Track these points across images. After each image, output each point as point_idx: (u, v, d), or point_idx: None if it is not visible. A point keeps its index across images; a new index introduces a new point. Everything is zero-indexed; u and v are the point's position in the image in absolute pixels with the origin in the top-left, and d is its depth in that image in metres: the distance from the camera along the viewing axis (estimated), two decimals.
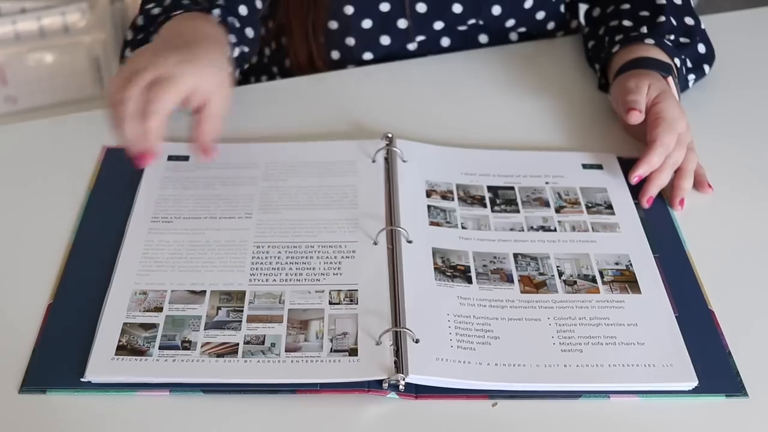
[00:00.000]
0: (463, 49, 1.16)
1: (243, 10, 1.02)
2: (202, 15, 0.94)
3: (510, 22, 1.14)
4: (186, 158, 0.95)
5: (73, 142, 0.99)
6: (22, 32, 2.07)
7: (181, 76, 0.80)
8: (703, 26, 1.07)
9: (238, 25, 1.00)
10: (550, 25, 1.17)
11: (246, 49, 1.03)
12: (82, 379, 0.73)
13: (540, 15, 1.15)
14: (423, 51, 1.16)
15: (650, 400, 0.74)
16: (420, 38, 1.13)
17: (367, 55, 1.14)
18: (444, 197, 0.92)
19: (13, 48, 2.07)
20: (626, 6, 1.08)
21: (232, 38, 0.98)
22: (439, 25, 1.12)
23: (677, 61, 1.01)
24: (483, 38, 1.17)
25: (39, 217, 0.89)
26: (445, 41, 1.15)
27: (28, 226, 0.89)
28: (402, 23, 1.11)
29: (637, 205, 0.92)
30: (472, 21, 1.12)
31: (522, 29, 1.16)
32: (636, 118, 0.93)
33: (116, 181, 0.93)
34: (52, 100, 2.13)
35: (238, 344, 0.76)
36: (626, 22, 1.05)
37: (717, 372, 0.76)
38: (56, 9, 2.07)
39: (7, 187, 0.93)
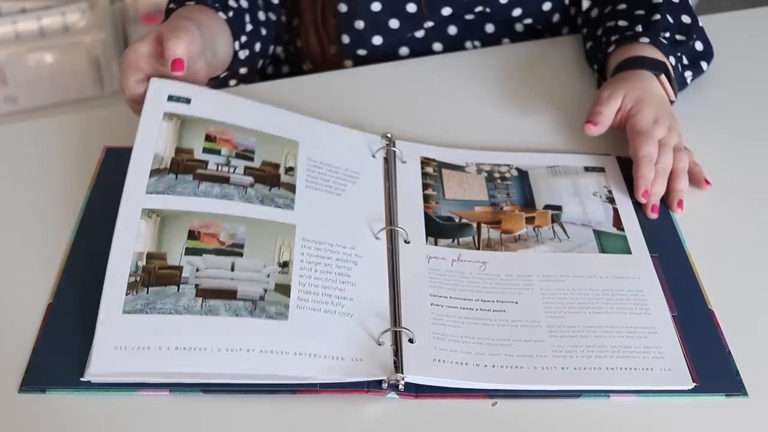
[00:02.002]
0: (470, 38, 1.16)
1: (236, 3, 1.07)
2: (204, 7, 1.01)
3: (517, 12, 1.14)
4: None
5: (73, 142, 0.99)
6: (22, 32, 2.07)
7: (145, 37, 0.91)
8: (701, 24, 1.07)
9: (243, 16, 1.06)
10: (556, 17, 1.18)
11: (255, 39, 1.09)
12: (81, 379, 0.73)
13: (546, 6, 1.15)
14: (430, 39, 1.16)
15: (650, 400, 0.74)
16: (429, 24, 1.13)
17: (377, 39, 1.14)
18: None
19: (13, 48, 2.07)
20: (623, 6, 1.08)
21: (235, 28, 1.04)
22: (447, 11, 1.13)
23: (672, 59, 1.01)
24: (489, 28, 1.17)
25: (39, 217, 0.89)
26: (452, 29, 1.16)
27: (28, 225, 0.89)
28: (411, 7, 1.12)
29: (635, 204, 0.92)
30: (479, 8, 1.13)
31: (528, 20, 1.16)
32: (590, 131, 0.95)
33: (116, 181, 0.93)
34: (52, 100, 2.13)
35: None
36: (622, 22, 1.05)
37: (717, 372, 0.76)
38: (56, 9, 2.07)
39: (8, 187, 0.93)
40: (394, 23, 1.13)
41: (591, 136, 0.97)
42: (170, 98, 0.90)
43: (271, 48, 1.15)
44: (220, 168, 0.86)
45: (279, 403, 0.73)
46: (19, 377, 0.74)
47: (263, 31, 1.10)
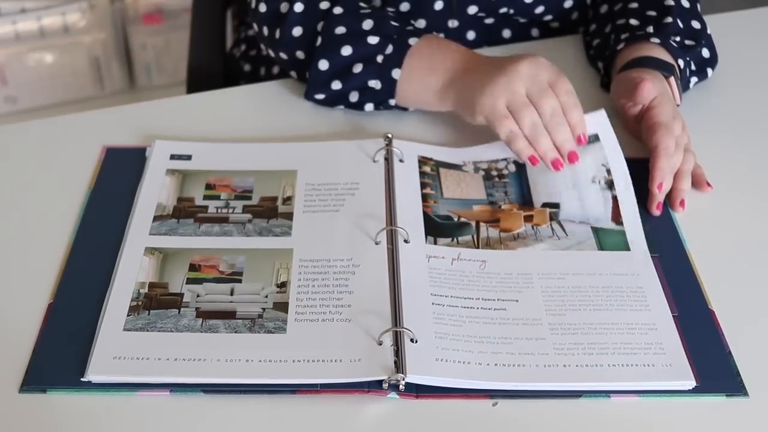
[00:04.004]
0: (486, 44, 1.16)
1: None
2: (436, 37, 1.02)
3: (539, 9, 1.14)
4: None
5: (73, 142, 0.99)
6: (22, 32, 2.07)
7: (548, 68, 0.94)
8: (709, 31, 1.07)
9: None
10: (574, 15, 1.18)
11: None
12: (82, 379, 0.73)
13: (568, 3, 1.15)
14: None
15: (651, 400, 0.74)
16: (453, 23, 1.13)
17: None
18: None
19: (13, 48, 2.07)
20: (634, 5, 1.08)
21: None
22: (473, 10, 1.12)
23: (681, 62, 1.01)
24: (506, 33, 1.17)
25: (39, 217, 0.89)
26: (471, 34, 1.15)
27: (28, 226, 0.89)
28: (438, 5, 1.11)
29: (637, 196, 0.92)
30: (503, 9, 1.12)
31: (549, 17, 1.16)
32: (648, 89, 0.94)
33: (116, 181, 0.93)
34: (52, 100, 2.14)
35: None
36: (633, 21, 1.05)
37: (717, 372, 0.76)
38: (56, 9, 2.07)
39: (7, 187, 0.93)
40: (420, 23, 1.11)
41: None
42: (173, 157, 0.95)
43: None
44: (219, 210, 0.89)
45: (279, 404, 0.73)
46: (19, 377, 0.74)
47: None
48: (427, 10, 1.11)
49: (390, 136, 0.97)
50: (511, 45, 1.17)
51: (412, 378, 0.73)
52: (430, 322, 0.78)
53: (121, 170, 0.95)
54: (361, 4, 1.03)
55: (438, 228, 0.88)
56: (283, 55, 1.04)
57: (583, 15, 1.18)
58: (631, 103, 0.97)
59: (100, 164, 0.95)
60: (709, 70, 1.07)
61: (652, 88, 0.94)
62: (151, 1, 2.14)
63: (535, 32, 1.19)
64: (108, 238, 0.86)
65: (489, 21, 1.15)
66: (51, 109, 2.12)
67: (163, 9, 2.15)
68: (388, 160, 0.95)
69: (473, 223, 0.89)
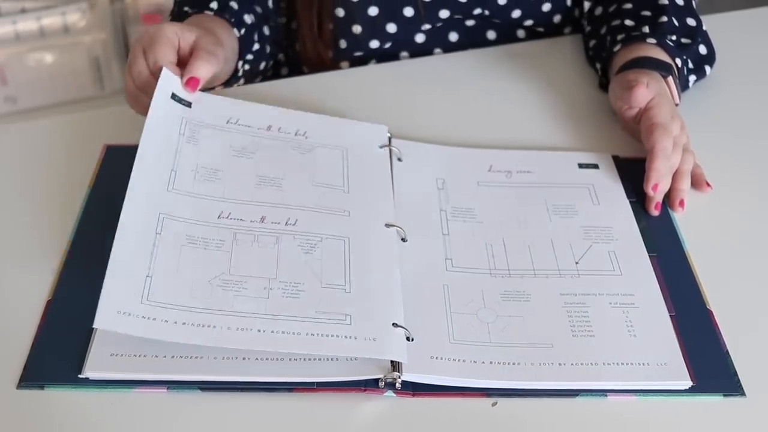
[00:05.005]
0: (471, 45, 1.16)
1: (249, 18, 1.07)
2: (223, 21, 1.01)
3: (516, 13, 1.14)
4: None
5: (73, 142, 0.99)
6: (22, 32, 2.07)
7: (162, 29, 0.89)
8: (704, 27, 1.07)
9: (252, 33, 1.06)
10: (557, 18, 1.17)
11: (260, 58, 1.10)
12: (80, 376, 0.73)
13: (546, 7, 1.15)
14: (430, 45, 1.16)
15: (648, 400, 0.74)
16: (426, 27, 1.13)
17: (374, 44, 1.14)
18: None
19: (13, 48, 2.07)
20: (628, 5, 1.08)
21: (244, 47, 1.04)
22: (444, 14, 1.12)
23: (678, 61, 1.01)
24: (491, 34, 1.17)
25: (39, 217, 0.90)
26: (453, 36, 1.15)
27: (29, 225, 0.89)
28: (408, 11, 1.12)
29: (633, 203, 0.92)
30: (477, 11, 1.12)
31: (529, 22, 1.16)
32: (641, 93, 0.93)
33: (116, 181, 0.93)
34: (52, 100, 2.14)
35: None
36: (628, 22, 1.05)
37: (715, 372, 0.76)
38: (56, 9, 2.07)
39: (8, 187, 0.94)
40: (391, 27, 1.13)
41: (589, 137, 0.98)
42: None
43: (271, 62, 1.15)
44: None
45: (276, 402, 0.73)
46: (17, 373, 0.74)
47: (267, 49, 1.10)
48: (397, 15, 1.11)
49: (390, 135, 0.97)
50: (504, 46, 1.17)
51: (409, 376, 0.73)
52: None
53: (121, 168, 0.94)
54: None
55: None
56: None
57: (567, 18, 1.18)
58: (627, 106, 0.97)
59: (100, 162, 0.96)
60: (707, 68, 1.07)
61: (646, 92, 0.94)
62: (151, 1, 2.14)
63: (521, 33, 1.18)
64: (107, 236, 0.86)
65: (469, 23, 1.15)
66: (51, 109, 2.12)
67: (163, 9, 2.15)
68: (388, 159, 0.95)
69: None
